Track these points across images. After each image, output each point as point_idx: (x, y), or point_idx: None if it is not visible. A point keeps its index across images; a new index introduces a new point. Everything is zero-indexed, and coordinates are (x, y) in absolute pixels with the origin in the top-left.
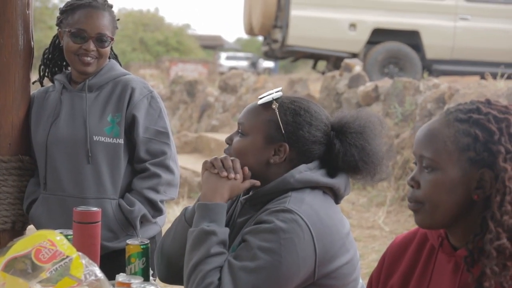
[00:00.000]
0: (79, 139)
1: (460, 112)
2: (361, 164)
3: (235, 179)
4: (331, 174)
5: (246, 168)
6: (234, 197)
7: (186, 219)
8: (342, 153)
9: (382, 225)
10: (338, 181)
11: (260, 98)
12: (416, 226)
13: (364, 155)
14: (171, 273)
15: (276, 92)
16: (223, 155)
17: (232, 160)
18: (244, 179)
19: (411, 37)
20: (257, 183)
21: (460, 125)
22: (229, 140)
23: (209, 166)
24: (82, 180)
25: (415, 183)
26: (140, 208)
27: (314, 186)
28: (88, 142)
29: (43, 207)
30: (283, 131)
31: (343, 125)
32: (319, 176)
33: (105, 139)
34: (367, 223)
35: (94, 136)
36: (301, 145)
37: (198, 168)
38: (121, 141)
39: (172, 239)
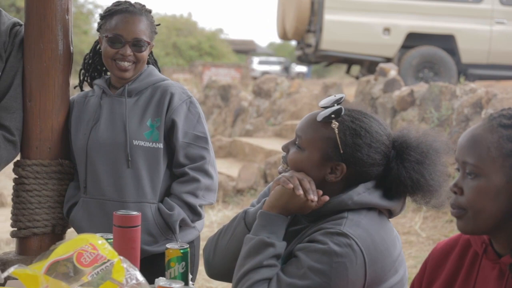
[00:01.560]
0: (119, 143)
1: (503, 118)
2: (415, 192)
3: (312, 201)
4: (387, 194)
5: (324, 196)
6: None
7: (246, 223)
8: (396, 179)
9: (418, 231)
10: (395, 204)
11: (321, 108)
12: (453, 232)
13: (417, 188)
14: (223, 271)
15: (338, 100)
16: (298, 173)
17: (309, 182)
18: (318, 203)
19: (446, 41)
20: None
21: (504, 130)
22: (286, 149)
23: (283, 181)
24: (122, 184)
25: (458, 190)
26: (179, 212)
27: (370, 208)
28: (128, 146)
29: (83, 211)
30: (341, 151)
31: (404, 148)
32: (377, 199)
33: (144, 143)
34: (404, 229)
35: (134, 141)
36: (358, 166)
37: (232, 172)
38: (161, 145)
39: (230, 239)
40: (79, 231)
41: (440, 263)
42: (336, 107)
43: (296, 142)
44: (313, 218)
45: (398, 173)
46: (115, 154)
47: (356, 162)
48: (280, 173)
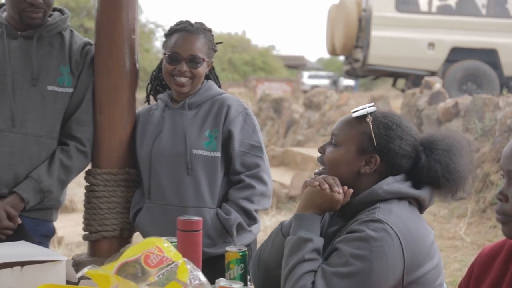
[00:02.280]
0: (180, 152)
1: None
2: (442, 181)
3: (338, 193)
4: (416, 186)
5: (349, 189)
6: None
7: (283, 233)
8: (426, 167)
9: (463, 236)
10: (424, 193)
11: (354, 112)
12: (497, 238)
13: (447, 172)
14: (268, 282)
15: (370, 106)
16: (323, 175)
17: (333, 178)
18: (345, 196)
19: (489, 55)
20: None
21: None
22: (322, 150)
23: (310, 182)
24: (183, 191)
25: (503, 197)
26: (236, 217)
27: (401, 197)
28: (188, 155)
29: (147, 216)
30: (375, 144)
31: (431, 142)
32: (406, 187)
33: (203, 152)
34: (449, 234)
35: (193, 150)
36: (391, 157)
37: (285, 180)
38: (218, 154)
39: (270, 250)
40: (143, 234)
41: (486, 267)
42: (369, 105)
43: (333, 141)
44: (348, 217)
45: (428, 161)
46: (176, 163)
47: (388, 153)
48: (316, 174)
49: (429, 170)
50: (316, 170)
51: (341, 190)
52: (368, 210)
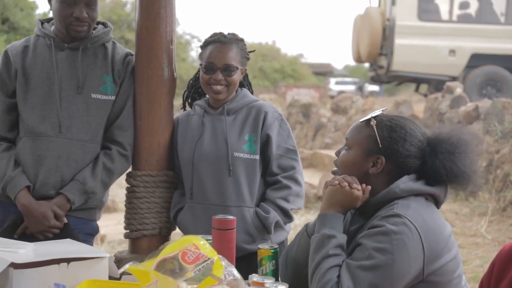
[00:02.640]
0: (222, 155)
1: None
2: (448, 182)
3: (357, 189)
4: (430, 183)
5: (367, 186)
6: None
7: (308, 233)
8: (432, 170)
9: (484, 234)
10: (438, 189)
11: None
12: None
13: (451, 175)
14: (296, 279)
15: (379, 111)
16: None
17: (351, 177)
18: (364, 193)
19: (507, 61)
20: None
21: None
22: (337, 153)
23: (330, 182)
24: (224, 191)
25: None
26: (274, 215)
27: (417, 194)
28: (229, 157)
29: (189, 214)
30: (380, 145)
31: (437, 143)
32: (420, 185)
33: (243, 155)
34: (470, 232)
35: (234, 153)
36: (396, 158)
37: (314, 181)
38: (257, 157)
39: (296, 250)
40: (185, 232)
41: (507, 263)
42: (380, 110)
43: (345, 145)
44: (368, 215)
45: (432, 164)
46: (218, 164)
47: (393, 153)
48: (333, 173)
49: (434, 173)
50: (332, 170)
51: (359, 187)
52: (387, 207)
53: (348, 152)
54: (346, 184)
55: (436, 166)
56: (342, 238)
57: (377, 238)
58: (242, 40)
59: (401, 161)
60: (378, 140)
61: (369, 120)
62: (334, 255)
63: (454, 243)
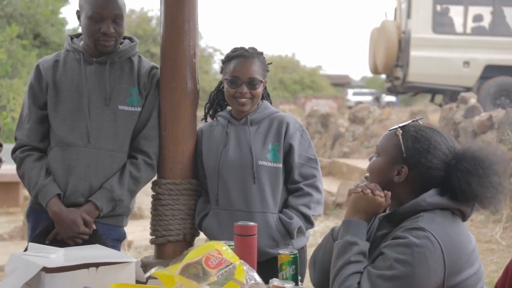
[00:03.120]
0: (246, 163)
1: None
2: (470, 199)
3: (380, 196)
4: (456, 198)
5: (388, 192)
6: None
7: (333, 238)
8: (452, 185)
9: (499, 240)
10: (464, 205)
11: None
12: None
13: (463, 194)
14: (323, 280)
15: (413, 120)
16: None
17: (373, 184)
18: (386, 199)
19: None
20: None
21: None
22: (370, 159)
23: (353, 190)
24: (249, 197)
25: None
26: (297, 221)
27: (443, 208)
28: (254, 165)
29: (214, 220)
30: (404, 155)
31: (459, 160)
32: (446, 200)
33: (267, 163)
34: (485, 238)
35: (258, 161)
36: (419, 168)
37: (332, 189)
38: (280, 165)
39: (323, 254)
40: (210, 237)
41: None
42: (416, 119)
43: (376, 153)
44: (395, 223)
45: (451, 180)
46: (243, 172)
47: (416, 164)
48: (365, 178)
49: (459, 189)
50: (362, 178)
51: (382, 194)
52: (412, 218)
53: (377, 159)
54: (369, 191)
55: (454, 182)
56: (365, 246)
57: (399, 250)
58: (262, 53)
59: (423, 172)
60: (403, 150)
61: (396, 129)
62: (355, 262)
63: (477, 257)
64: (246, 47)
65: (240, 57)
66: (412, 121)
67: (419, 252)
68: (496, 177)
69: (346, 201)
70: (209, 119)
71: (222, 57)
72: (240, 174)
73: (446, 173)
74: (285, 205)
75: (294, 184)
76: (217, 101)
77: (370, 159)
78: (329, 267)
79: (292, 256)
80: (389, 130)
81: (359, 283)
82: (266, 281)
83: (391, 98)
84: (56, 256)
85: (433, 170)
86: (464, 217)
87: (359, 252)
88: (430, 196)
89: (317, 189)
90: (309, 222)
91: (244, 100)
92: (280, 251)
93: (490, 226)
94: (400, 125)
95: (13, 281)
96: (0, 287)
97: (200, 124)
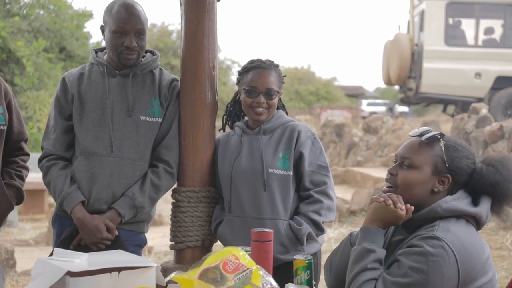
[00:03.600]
0: (257, 171)
1: None
2: (494, 191)
3: (401, 209)
4: (474, 202)
5: (411, 207)
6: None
7: (351, 243)
8: (478, 181)
9: (510, 247)
10: (480, 210)
11: (421, 135)
12: None
13: (496, 183)
14: (339, 283)
15: (427, 131)
16: (388, 193)
17: (396, 196)
18: (407, 213)
19: None
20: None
21: None
22: (395, 171)
23: (376, 199)
24: (260, 205)
25: None
26: (307, 227)
27: (458, 216)
28: (264, 173)
29: (228, 227)
30: (447, 164)
31: (487, 164)
32: (463, 205)
33: (278, 171)
34: (496, 245)
35: (269, 169)
36: (459, 175)
37: (346, 196)
38: (291, 173)
39: (340, 257)
40: (225, 244)
41: None
42: (437, 131)
43: (405, 164)
44: (411, 230)
45: (478, 181)
46: (254, 180)
47: (458, 171)
48: (384, 192)
49: (481, 184)
50: (384, 188)
51: (403, 207)
52: (428, 226)
53: (412, 172)
54: (391, 202)
55: (482, 181)
56: (381, 253)
57: (414, 258)
58: (277, 65)
59: (463, 178)
60: (445, 159)
61: (435, 140)
62: (371, 269)
63: (491, 266)
64: (263, 59)
65: (258, 68)
66: (427, 130)
67: (433, 261)
68: None
69: (368, 208)
70: (227, 129)
71: (239, 70)
72: (251, 182)
73: (470, 177)
74: (297, 212)
75: (305, 191)
76: (234, 111)
77: (394, 172)
78: (344, 271)
79: (307, 261)
80: (422, 140)
81: None
82: (279, 286)
83: (405, 109)
84: (80, 261)
85: (464, 176)
86: (478, 226)
87: (375, 260)
88: (446, 202)
89: (328, 196)
90: (319, 228)
91: (261, 109)
92: (296, 257)
93: (501, 233)
94: (429, 135)
95: (39, 284)
96: None
97: (218, 134)
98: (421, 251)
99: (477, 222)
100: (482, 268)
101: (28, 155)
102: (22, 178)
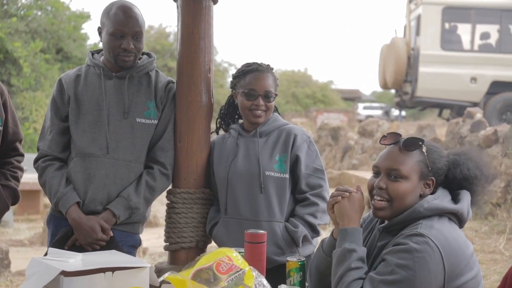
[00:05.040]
0: (254, 173)
1: None
2: (472, 177)
3: (355, 192)
4: (454, 200)
5: (358, 185)
6: (370, 223)
7: (323, 249)
8: (455, 176)
9: (502, 250)
10: (461, 206)
11: (397, 142)
12: None
13: (470, 178)
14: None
15: (420, 137)
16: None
17: (341, 187)
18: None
19: None
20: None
21: None
22: (383, 184)
23: (332, 201)
24: (256, 207)
25: None
26: (302, 230)
27: (441, 214)
28: (261, 176)
29: (223, 228)
30: (430, 168)
31: (458, 155)
32: (444, 203)
33: (274, 174)
34: (489, 248)
35: (266, 172)
36: (440, 176)
37: None
38: (287, 176)
39: (315, 266)
40: (220, 245)
41: None
42: (417, 137)
43: (393, 176)
44: (395, 232)
45: (452, 173)
46: (250, 182)
47: (439, 172)
48: (377, 208)
49: (457, 178)
50: (376, 202)
51: (355, 190)
52: (411, 226)
53: (403, 183)
54: (346, 194)
55: (455, 172)
56: (362, 251)
57: (400, 255)
58: (273, 68)
59: (442, 177)
60: (428, 163)
61: (417, 146)
62: (356, 268)
63: (476, 262)
64: (259, 62)
65: (256, 71)
66: (419, 138)
67: (419, 257)
68: (486, 166)
69: (330, 215)
70: (221, 132)
71: (233, 73)
72: (248, 184)
73: (445, 175)
74: (293, 214)
75: (301, 194)
76: (229, 114)
77: (383, 185)
78: (321, 275)
79: (299, 263)
80: (403, 149)
81: None
82: (273, 287)
83: (402, 113)
84: (75, 260)
85: (443, 176)
86: (460, 223)
87: (358, 259)
88: (427, 202)
89: (323, 198)
90: (314, 231)
91: (259, 112)
92: (288, 258)
93: (494, 237)
94: (408, 142)
95: (33, 284)
96: None
97: (212, 137)
98: (406, 248)
99: (458, 220)
100: (467, 263)
101: (22, 155)
102: (17, 179)
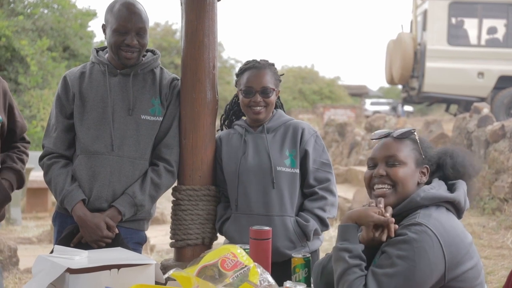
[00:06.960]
0: (265, 169)
1: None
2: (460, 164)
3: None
4: (450, 190)
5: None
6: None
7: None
8: (446, 167)
9: (510, 246)
10: (458, 195)
11: (388, 135)
12: None
13: (461, 169)
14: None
15: (411, 128)
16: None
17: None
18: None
19: None
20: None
21: None
22: (383, 171)
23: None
24: (269, 202)
25: None
26: (313, 223)
27: (438, 204)
28: (273, 171)
29: (234, 225)
30: (423, 156)
31: (448, 150)
32: (441, 192)
33: (285, 169)
34: (497, 244)
35: (277, 167)
36: (432, 165)
37: (348, 195)
38: (297, 170)
39: (321, 262)
40: (231, 241)
41: None
42: (409, 127)
43: (391, 162)
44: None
45: (442, 165)
46: (262, 178)
47: (432, 160)
48: (381, 193)
49: (448, 168)
50: (380, 190)
51: (386, 215)
52: (409, 217)
53: (404, 168)
54: (382, 211)
55: (447, 162)
56: (355, 249)
57: (399, 246)
58: (273, 64)
59: (433, 167)
60: (421, 152)
61: (410, 134)
62: (354, 266)
63: (475, 251)
64: (258, 59)
65: (253, 68)
66: (409, 128)
67: (418, 246)
68: (475, 163)
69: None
70: (224, 129)
71: (236, 72)
72: (259, 180)
73: (437, 166)
74: (301, 208)
75: (309, 188)
76: (233, 112)
77: (389, 171)
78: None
79: (305, 259)
80: (397, 137)
81: (365, 285)
82: (282, 280)
83: (409, 108)
84: (80, 258)
85: (434, 165)
86: (458, 214)
87: (353, 256)
88: (424, 191)
89: (331, 192)
90: (324, 224)
91: (258, 108)
92: (294, 255)
93: (502, 233)
94: (403, 130)
95: (39, 281)
96: (27, 287)
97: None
98: (405, 238)
99: (456, 209)
100: (467, 252)
101: (29, 142)
102: (23, 162)
